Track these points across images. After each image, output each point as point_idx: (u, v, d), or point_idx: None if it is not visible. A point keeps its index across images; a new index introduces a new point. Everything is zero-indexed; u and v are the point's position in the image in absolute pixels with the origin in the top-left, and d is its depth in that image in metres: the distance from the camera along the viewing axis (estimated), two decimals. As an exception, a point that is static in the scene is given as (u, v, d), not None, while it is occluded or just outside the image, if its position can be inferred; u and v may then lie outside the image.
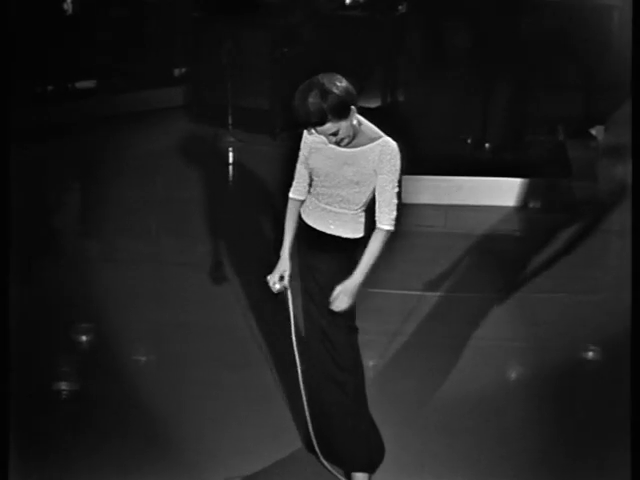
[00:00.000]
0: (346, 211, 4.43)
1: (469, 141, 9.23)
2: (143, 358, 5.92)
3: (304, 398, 4.70)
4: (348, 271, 4.41)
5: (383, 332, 6.01)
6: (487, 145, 9.13)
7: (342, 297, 4.39)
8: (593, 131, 9.38)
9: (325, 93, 4.15)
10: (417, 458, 4.90)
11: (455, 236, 7.68)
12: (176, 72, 11.28)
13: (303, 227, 4.55)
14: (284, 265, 4.57)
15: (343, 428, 4.65)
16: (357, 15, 10.45)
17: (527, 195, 8.30)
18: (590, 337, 6.05)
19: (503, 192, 8.29)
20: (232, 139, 9.81)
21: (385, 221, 4.35)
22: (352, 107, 4.22)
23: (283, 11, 10.35)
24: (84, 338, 6.12)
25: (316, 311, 4.54)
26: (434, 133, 8.98)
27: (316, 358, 4.60)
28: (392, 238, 7.32)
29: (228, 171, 9.45)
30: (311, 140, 4.44)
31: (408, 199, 8.19)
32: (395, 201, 4.34)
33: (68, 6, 10.43)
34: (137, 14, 10.95)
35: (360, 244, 4.46)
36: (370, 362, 5.62)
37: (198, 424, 5.14)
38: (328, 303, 4.43)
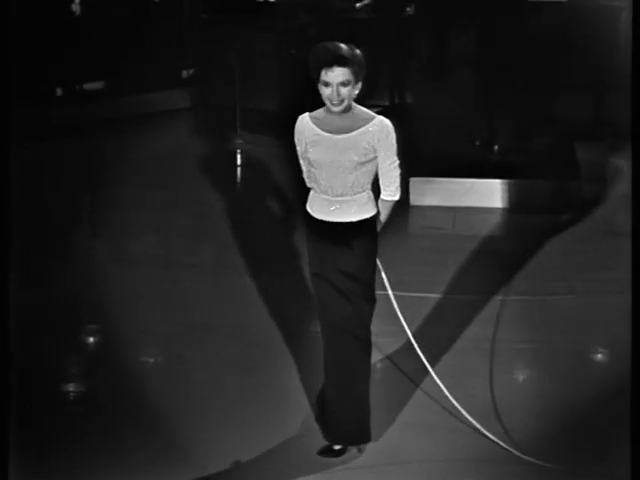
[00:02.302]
0: (359, 194, 4.58)
1: (477, 143, 9.22)
2: (150, 360, 5.92)
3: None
4: (373, 243, 4.64)
5: (390, 333, 5.99)
6: (496, 147, 9.12)
7: None
8: (601, 133, 9.38)
9: (352, 45, 4.41)
10: (419, 458, 4.89)
11: (463, 238, 7.68)
12: (183, 74, 11.29)
13: (321, 225, 4.63)
14: None
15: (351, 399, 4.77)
16: (365, 16, 10.46)
17: (535, 197, 8.28)
18: (597, 339, 6.05)
19: (511, 194, 8.28)
20: (240, 141, 9.82)
21: (389, 193, 4.64)
22: (361, 81, 4.44)
23: (291, 12, 10.37)
24: (91, 339, 6.13)
25: (338, 298, 4.62)
26: (442, 135, 8.98)
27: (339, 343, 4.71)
28: (400, 240, 7.33)
29: (236, 173, 9.45)
30: (306, 134, 4.57)
31: (416, 201, 8.20)
32: (395, 174, 4.60)
33: (76, 7, 10.44)
34: (144, 15, 10.96)
35: (377, 217, 4.69)
36: (378, 364, 5.62)
37: (205, 425, 5.13)
38: (359, 288, 4.59)
